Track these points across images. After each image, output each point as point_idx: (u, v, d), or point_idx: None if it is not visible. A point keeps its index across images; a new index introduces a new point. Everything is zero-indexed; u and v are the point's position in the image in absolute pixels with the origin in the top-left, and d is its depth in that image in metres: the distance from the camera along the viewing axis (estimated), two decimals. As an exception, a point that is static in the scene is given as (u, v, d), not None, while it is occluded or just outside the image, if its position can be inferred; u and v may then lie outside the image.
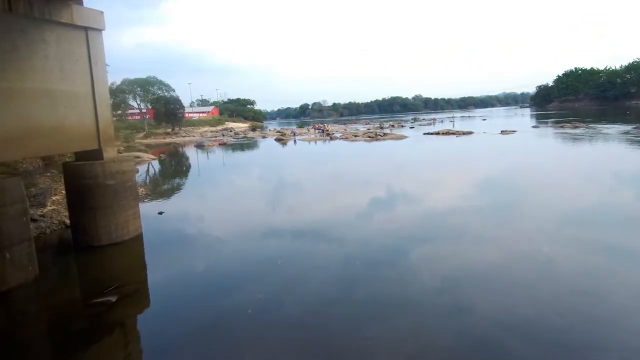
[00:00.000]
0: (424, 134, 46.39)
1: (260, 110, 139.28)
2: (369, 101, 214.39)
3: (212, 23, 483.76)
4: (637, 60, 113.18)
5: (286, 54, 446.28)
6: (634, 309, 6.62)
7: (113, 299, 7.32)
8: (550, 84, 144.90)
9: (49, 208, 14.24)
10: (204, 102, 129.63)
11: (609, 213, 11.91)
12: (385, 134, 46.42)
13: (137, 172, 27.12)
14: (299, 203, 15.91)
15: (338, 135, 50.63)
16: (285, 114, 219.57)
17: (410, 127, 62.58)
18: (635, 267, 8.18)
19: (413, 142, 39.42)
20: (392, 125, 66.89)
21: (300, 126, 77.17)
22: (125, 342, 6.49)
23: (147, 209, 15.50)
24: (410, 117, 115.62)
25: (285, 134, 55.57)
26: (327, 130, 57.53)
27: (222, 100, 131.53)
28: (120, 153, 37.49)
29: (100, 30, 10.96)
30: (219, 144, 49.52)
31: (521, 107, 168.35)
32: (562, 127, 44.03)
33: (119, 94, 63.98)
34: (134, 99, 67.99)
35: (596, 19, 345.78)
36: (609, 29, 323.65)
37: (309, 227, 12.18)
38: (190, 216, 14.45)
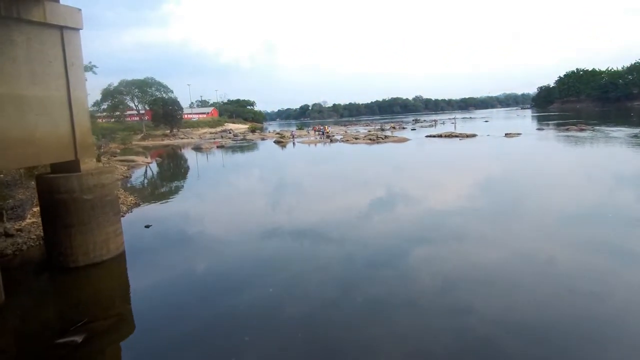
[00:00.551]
0: (426, 136, 45.35)
1: (260, 111, 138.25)
2: (369, 102, 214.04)
3: (213, 23, 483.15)
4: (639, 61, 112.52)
5: (286, 54, 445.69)
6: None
7: (79, 339, 6.29)
8: (552, 84, 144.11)
9: (27, 221, 13.25)
10: (203, 103, 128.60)
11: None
12: (386, 137, 45.42)
13: (130, 177, 26.26)
14: (293, 227, 13.59)
15: (338, 137, 49.61)
16: (285, 115, 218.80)
17: (412, 129, 61.55)
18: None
19: (416, 145, 38.35)
20: (393, 127, 65.84)
21: (300, 127, 75.07)
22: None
23: (134, 220, 14.54)
24: (410, 118, 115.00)
25: (284, 137, 54.43)
26: (328, 132, 56.28)
27: (221, 101, 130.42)
28: (115, 156, 36.79)
29: (77, 29, 9.96)
30: (217, 147, 48.61)
31: (522, 108, 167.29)
32: (567, 129, 43.09)
33: (116, 96, 63.15)
34: (132, 100, 67.12)
35: (596, 19, 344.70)
36: (609, 29, 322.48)
37: (308, 255, 10.82)
38: (181, 229, 13.42)
